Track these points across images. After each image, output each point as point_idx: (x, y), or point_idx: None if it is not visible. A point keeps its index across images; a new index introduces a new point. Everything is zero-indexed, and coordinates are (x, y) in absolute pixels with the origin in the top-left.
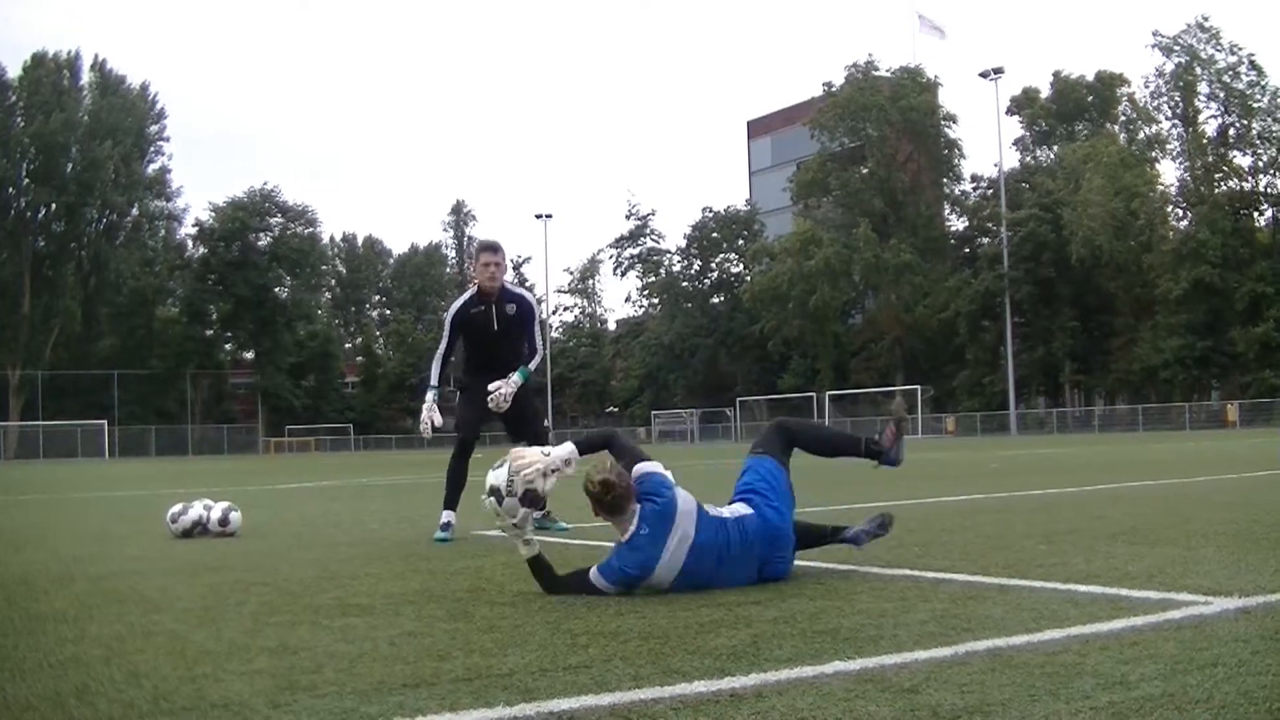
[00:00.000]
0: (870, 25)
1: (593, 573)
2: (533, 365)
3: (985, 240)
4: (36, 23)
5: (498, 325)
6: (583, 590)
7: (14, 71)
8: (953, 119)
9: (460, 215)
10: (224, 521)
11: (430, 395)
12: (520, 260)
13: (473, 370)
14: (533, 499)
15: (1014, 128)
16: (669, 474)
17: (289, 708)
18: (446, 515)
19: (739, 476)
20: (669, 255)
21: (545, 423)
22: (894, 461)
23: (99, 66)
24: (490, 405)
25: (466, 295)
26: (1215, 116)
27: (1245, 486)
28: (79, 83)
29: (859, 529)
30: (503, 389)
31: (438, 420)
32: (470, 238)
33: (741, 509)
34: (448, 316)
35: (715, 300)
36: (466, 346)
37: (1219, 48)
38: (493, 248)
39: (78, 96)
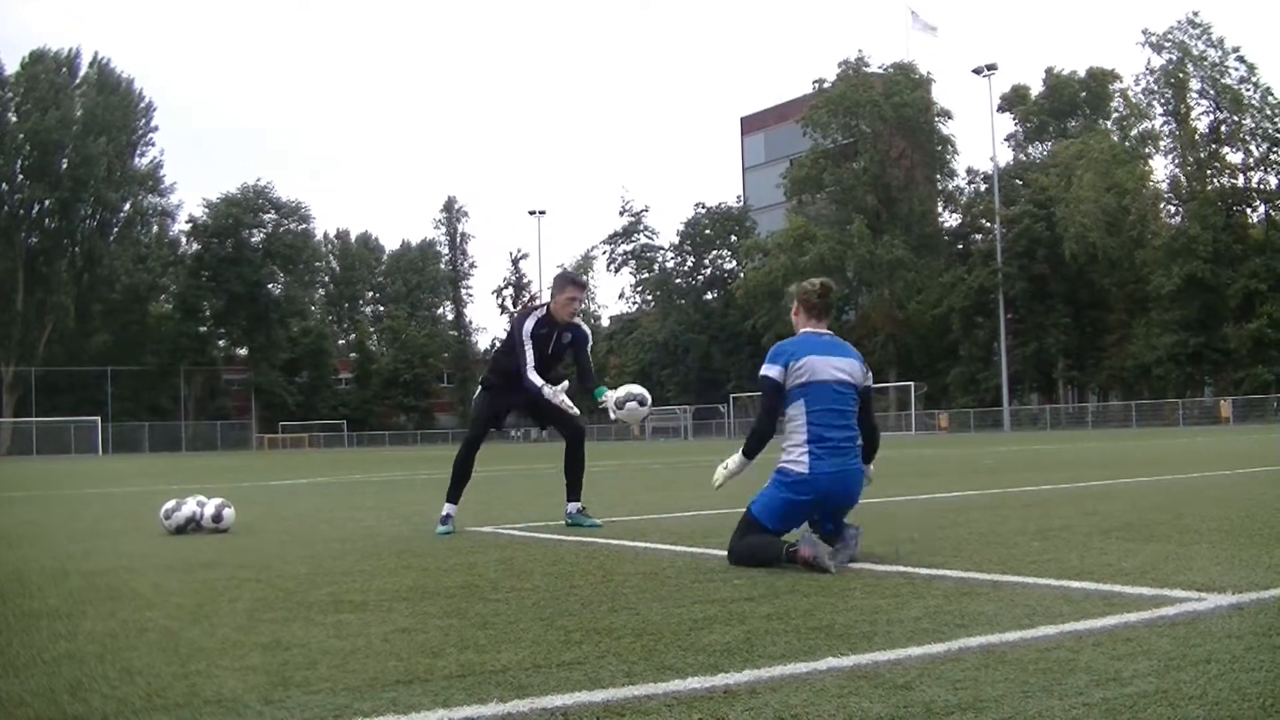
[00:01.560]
0: (864, 22)
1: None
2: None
3: (979, 236)
4: (36, 22)
5: (552, 350)
6: (764, 405)
7: (12, 69)
8: (947, 114)
9: (452, 212)
10: (217, 518)
11: (548, 389)
12: (516, 256)
13: (503, 376)
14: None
15: (1007, 124)
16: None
17: (282, 704)
18: (448, 508)
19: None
20: (662, 251)
21: (575, 410)
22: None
23: (98, 64)
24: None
25: (538, 315)
26: (1207, 113)
27: (1239, 482)
28: (75, 80)
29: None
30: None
31: (566, 399)
32: (464, 234)
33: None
34: (525, 330)
35: (708, 296)
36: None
37: (1210, 44)
38: (583, 284)
39: (74, 94)
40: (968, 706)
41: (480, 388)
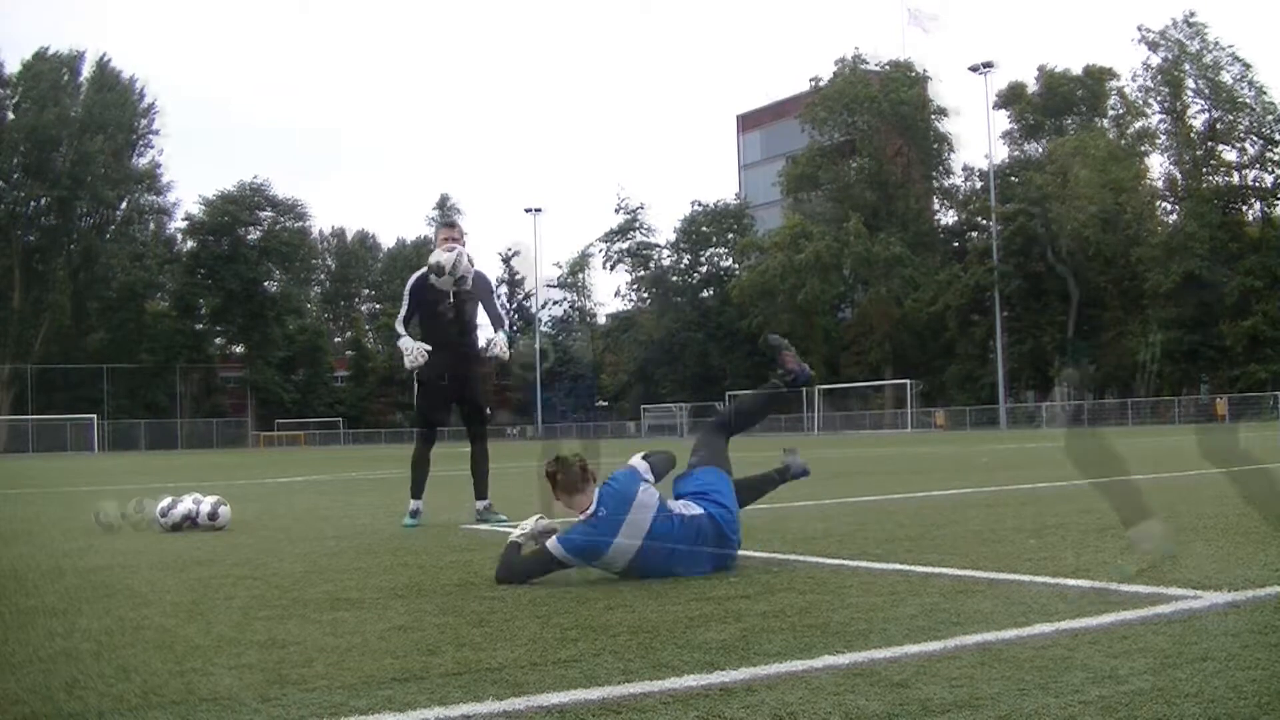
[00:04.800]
0: (862, 19)
1: (551, 543)
2: (503, 333)
3: (975, 234)
4: (37, 21)
5: (452, 296)
6: (541, 568)
7: (13, 68)
8: (944, 112)
9: (445, 209)
10: (213, 515)
11: (408, 340)
12: (510, 254)
13: (430, 361)
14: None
15: (1003, 122)
16: (647, 471)
17: (278, 702)
18: (415, 503)
19: (683, 479)
20: (659, 249)
21: (488, 410)
22: (806, 377)
23: (100, 64)
24: (497, 355)
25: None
26: (1203, 111)
27: (1235, 480)
28: (79, 80)
29: (797, 460)
30: (498, 343)
31: (421, 349)
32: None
33: (693, 508)
34: (409, 284)
35: (705, 294)
36: (423, 320)
37: (1205, 42)
38: (450, 223)
39: (74, 93)
40: (964, 704)
41: (417, 384)
